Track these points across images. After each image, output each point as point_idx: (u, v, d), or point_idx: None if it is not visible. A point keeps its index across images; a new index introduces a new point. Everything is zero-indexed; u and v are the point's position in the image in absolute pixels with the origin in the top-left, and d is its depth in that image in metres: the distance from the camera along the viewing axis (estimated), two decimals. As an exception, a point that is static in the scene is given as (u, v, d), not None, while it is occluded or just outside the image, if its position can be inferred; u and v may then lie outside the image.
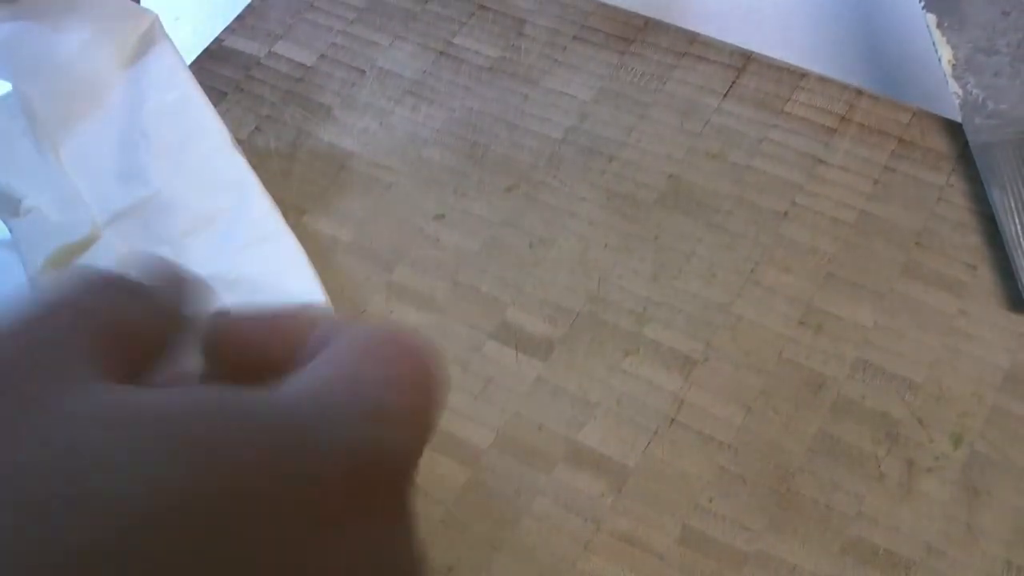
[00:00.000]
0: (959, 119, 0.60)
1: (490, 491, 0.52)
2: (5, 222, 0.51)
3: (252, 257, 0.48)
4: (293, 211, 0.50)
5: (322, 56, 0.68)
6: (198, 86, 0.54)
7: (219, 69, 0.67)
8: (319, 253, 0.57)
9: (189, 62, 0.62)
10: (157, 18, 0.57)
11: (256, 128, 0.65)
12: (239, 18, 0.70)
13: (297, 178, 0.62)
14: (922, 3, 0.62)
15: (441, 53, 0.67)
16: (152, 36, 0.57)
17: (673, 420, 0.53)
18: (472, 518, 0.51)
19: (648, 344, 0.55)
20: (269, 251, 0.49)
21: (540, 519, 0.51)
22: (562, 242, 0.58)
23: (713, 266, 0.57)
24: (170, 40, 0.57)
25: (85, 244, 0.51)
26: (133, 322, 0.23)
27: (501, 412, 0.54)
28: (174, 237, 0.50)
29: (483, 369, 0.55)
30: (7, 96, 0.54)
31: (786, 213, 0.58)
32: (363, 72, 0.67)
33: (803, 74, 0.63)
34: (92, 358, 0.22)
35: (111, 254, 0.50)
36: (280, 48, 0.68)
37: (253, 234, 0.49)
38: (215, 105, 0.59)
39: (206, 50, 0.69)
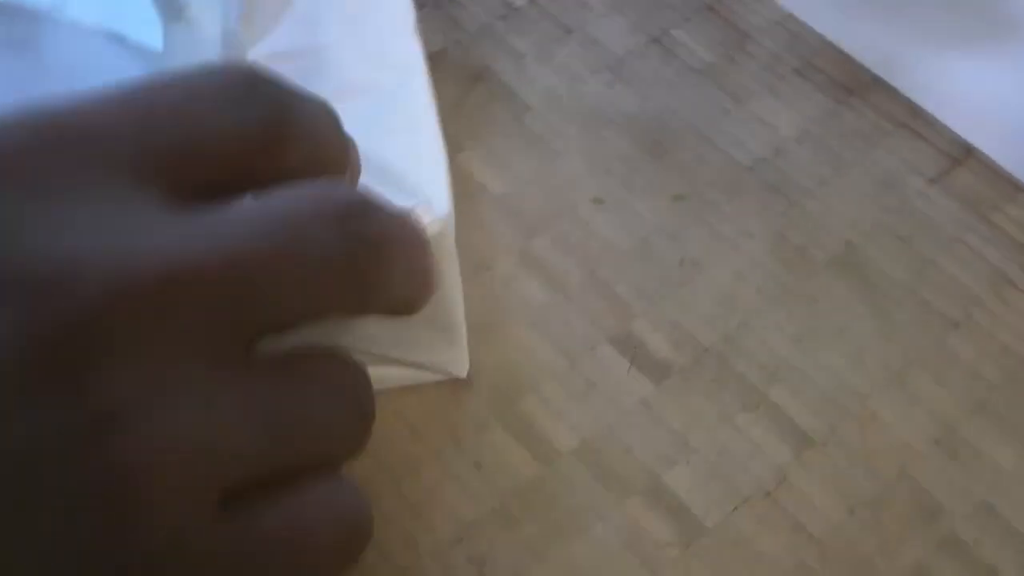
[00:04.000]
0: None
1: (554, 498, 0.48)
2: (164, 25, 0.48)
3: (392, 141, 0.44)
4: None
5: (533, 1, 0.64)
6: None
7: (425, -20, 0.64)
8: (464, 196, 0.54)
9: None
10: None
11: (443, 49, 0.61)
12: (460, -65, 0.67)
13: (466, 114, 0.59)
14: None
15: (654, 40, 0.62)
16: None
17: (769, 494, 0.48)
18: (526, 519, 0.47)
19: (769, 406, 0.50)
20: (411, 141, 0.45)
21: (594, 545, 0.46)
22: (714, 270, 0.54)
23: (863, 350, 0.52)
24: None
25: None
26: (211, 142, 0.21)
27: (593, 421, 0.49)
28: (323, 98, 0.47)
29: (590, 371, 0.51)
30: None
31: (957, 324, 0.53)
32: (570, 31, 0.63)
33: (1021, 188, 0.58)
34: (146, 173, 0.19)
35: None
36: (492, -22, 0.65)
37: (401, 120, 0.46)
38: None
39: (419, -42, 0.65)
